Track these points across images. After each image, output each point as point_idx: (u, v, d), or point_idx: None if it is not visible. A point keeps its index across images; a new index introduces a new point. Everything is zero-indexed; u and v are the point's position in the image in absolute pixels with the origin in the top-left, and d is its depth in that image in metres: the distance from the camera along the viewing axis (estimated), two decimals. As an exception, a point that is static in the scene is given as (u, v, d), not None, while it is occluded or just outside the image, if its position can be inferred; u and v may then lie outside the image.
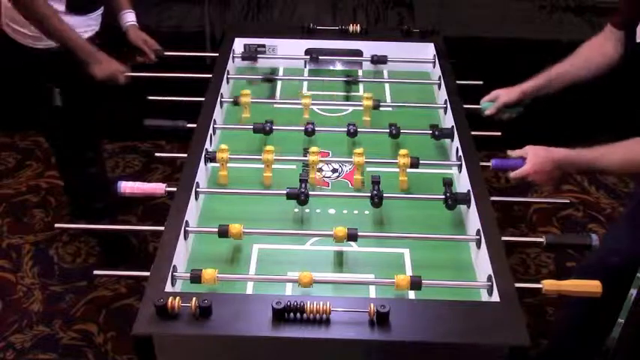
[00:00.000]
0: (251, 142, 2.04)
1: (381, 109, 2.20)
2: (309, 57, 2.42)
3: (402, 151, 1.88)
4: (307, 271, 1.51)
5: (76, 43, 2.21)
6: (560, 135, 2.57)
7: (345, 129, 2.04)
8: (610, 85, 2.28)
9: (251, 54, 2.44)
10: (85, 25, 2.29)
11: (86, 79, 2.28)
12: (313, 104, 2.23)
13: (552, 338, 2.45)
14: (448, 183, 1.81)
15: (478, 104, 2.18)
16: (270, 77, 2.35)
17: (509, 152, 1.87)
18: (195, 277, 1.51)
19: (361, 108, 2.17)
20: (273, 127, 2.03)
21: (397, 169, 1.89)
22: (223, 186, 1.90)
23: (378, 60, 2.41)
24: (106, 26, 2.36)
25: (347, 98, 2.33)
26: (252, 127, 2.03)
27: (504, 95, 2.12)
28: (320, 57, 2.43)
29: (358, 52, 2.46)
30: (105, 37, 2.37)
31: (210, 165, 1.94)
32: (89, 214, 2.66)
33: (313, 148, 1.90)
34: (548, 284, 1.50)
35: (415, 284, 1.51)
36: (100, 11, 2.35)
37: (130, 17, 2.48)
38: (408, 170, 1.90)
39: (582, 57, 2.06)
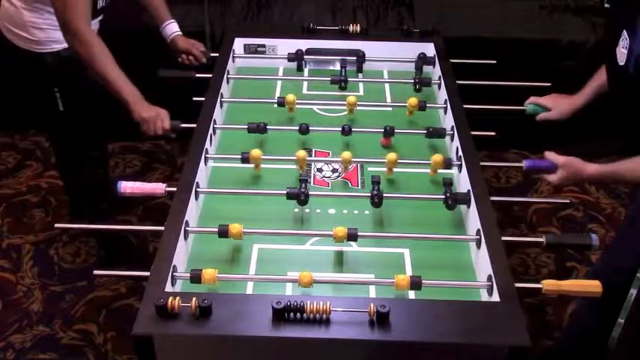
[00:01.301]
0: (248, 142, 2.03)
1: (380, 109, 2.20)
2: (287, 57, 2.43)
3: (437, 158, 1.89)
4: (307, 271, 1.51)
5: (118, 83, 2.05)
6: (559, 135, 2.58)
7: (340, 128, 2.04)
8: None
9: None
10: None
11: (90, 82, 2.26)
12: (313, 104, 2.24)
13: (558, 340, 2.45)
14: (448, 183, 1.81)
15: (478, 104, 2.18)
16: (337, 79, 2.31)
17: (547, 154, 1.87)
18: (195, 277, 1.51)
19: (361, 108, 2.20)
20: (267, 127, 2.04)
21: (403, 169, 1.94)
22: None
23: (363, 59, 2.41)
24: (108, 33, 2.35)
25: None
26: (246, 126, 2.04)
27: (556, 113, 2.14)
28: (311, 57, 2.45)
29: (358, 52, 2.45)
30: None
31: (211, 165, 1.94)
32: (92, 214, 2.65)
33: (300, 152, 1.90)
34: (548, 284, 1.50)
35: (415, 284, 1.51)
36: (98, 19, 2.31)
37: (175, 27, 2.48)
38: (409, 170, 1.91)
39: None
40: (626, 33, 1.70)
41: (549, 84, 2.28)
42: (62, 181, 2.83)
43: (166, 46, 2.49)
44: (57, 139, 2.57)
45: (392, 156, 1.89)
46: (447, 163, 1.90)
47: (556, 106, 2.15)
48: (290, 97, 2.15)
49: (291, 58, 2.42)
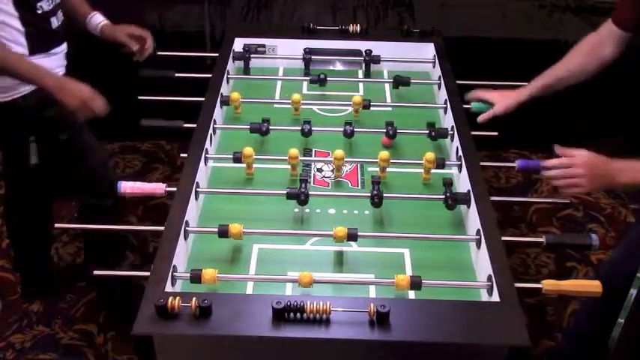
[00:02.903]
0: (248, 143, 2.03)
1: (380, 109, 2.20)
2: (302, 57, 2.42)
3: (429, 156, 1.88)
4: (307, 271, 1.51)
5: (37, 75, 1.98)
6: (559, 135, 2.58)
7: (342, 129, 2.04)
8: (610, 85, 2.27)
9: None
10: (54, 67, 2.13)
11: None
12: (313, 104, 2.24)
13: (558, 340, 2.45)
14: (448, 183, 1.81)
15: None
16: (316, 79, 2.29)
17: (556, 148, 1.76)
18: (195, 277, 1.51)
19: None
20: (270, 128, 2.03)
21: (403, 170, 1.93)
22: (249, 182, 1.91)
23: (371, 60, 2.41)
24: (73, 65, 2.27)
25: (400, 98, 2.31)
26: (249, 127, 2.04)
27: (501, 107, 2.06)
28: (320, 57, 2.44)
29: (358, 52, 2.45)
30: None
31: (211, 165, 1.94)
32: (95, 215, 2.63)
33: (292, 150, 1.89)
34: (548, 284, 1.51)
35: (415, 284, 1.51)
36: (64, 50, 2.21)
37: (101, 17, 2.34)
38: (409, 170, 1.92)
39: (577, 63, 2.01)
40: None
41: None
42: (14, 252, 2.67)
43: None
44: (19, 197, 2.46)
45: (384, 154, 1.89)
46: (441, 163, 1.89)
47: (500, 99, 2.07)
48: (234, 95, 2.15)
49: (305, 58, 2.40)
